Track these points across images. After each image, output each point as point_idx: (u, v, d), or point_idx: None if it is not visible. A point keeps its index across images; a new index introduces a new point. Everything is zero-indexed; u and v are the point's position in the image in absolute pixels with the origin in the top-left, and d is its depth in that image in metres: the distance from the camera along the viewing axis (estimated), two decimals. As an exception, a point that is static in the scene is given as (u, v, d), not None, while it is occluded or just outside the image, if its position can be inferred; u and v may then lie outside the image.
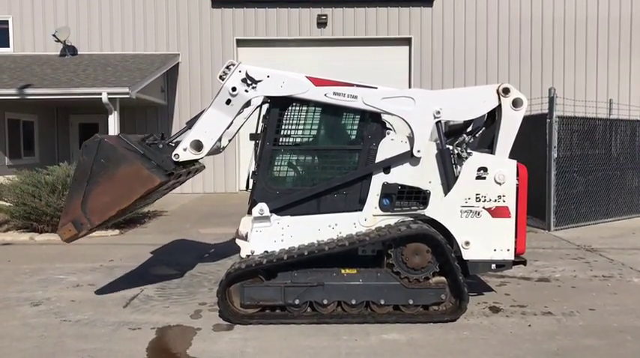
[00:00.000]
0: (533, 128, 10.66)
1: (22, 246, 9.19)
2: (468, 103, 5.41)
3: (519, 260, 5.51)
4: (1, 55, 16.76)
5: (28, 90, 13.26)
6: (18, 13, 17.16)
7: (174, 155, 5.40)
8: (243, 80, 5.32)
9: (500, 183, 5.32)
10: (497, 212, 5.33)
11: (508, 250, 5.38)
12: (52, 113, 17.39)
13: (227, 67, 5.41)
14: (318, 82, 5.29)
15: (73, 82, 13.92)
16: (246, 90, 5.32)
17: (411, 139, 5.34)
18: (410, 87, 16.88)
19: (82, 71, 14.97)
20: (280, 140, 5.53)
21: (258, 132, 5.64)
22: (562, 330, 5.05)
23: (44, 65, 15.66)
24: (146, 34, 17.14)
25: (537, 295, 6.13)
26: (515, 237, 5.41)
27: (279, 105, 5.45)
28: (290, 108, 5.48)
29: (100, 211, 5.34)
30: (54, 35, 16.56)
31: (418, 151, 5.29)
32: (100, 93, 12.98)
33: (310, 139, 5.60)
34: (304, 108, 5.49)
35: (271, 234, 5.41)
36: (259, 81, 5.32)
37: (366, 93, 5.28)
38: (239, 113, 5.47)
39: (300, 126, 5.54)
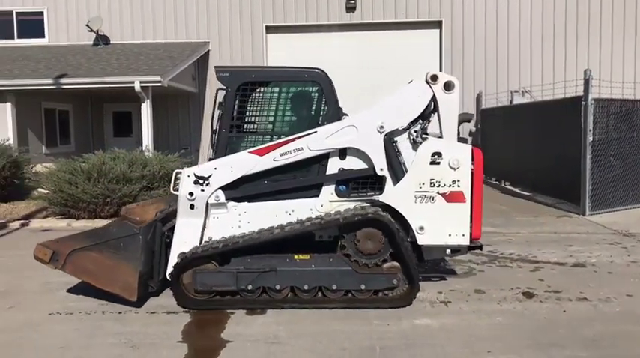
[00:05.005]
0: (567, 111, 10.46)
1: (60, 232, 9.40)
2: (405, 105, 5.41)
3: (475, 245, 5.48)
4: (38, 46, 17.12)
5: (64, 80, 13.51)
6: (52, 3, 17.48)
7: (169, 274, 5.36)
8: (195, 182, 5.37)
9: (454, 168, 5.28)
10: (452, 197, 5.30)
11: (463, 235, 5.33)
12: (86, 102, 17.72)
13: (176, 178, 5.51)
14: (262, 152, 5.34)
15: (106, 71, 14.13)
16: (203, 190, 5.37)
17: (369, 159, 5.36)
18: (441, 70, 16.66)
19: (115, 60, 15.19)
20: (236, 126, 5.56)
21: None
22: (599, 316, 4.98)
23: (78, 55, 15.93)
24: (176, 23, 17.27)
25: (572, 280, 6.05)
26: (471, 222, 5.36)
27: (234, 90, 5.47)
28: (245, 94, 5.51)
29: (77, 268, 5.34)
30: (87, 25, 16.83)
31: (381, 169, 5.33)
32: (133, 82, 13.14)
33: (266, 125, 5.63)
34: (259, 94, 5.54)
35: (228, 221, 5.45)
36: (210, 176, 5.37)
37: (309, 140, 5.32)
38: (206, 209, 5.45)
39: (256, 113, 5.61)
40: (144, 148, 12.46)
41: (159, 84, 13.24)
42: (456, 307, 5.27)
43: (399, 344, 4.41)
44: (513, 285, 5.86)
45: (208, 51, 17.05)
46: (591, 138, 9.74)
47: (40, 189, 11.24)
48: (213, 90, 16.45)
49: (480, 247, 5.57)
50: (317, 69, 5.56)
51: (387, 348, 4.34)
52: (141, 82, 13.15)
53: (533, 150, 12.34)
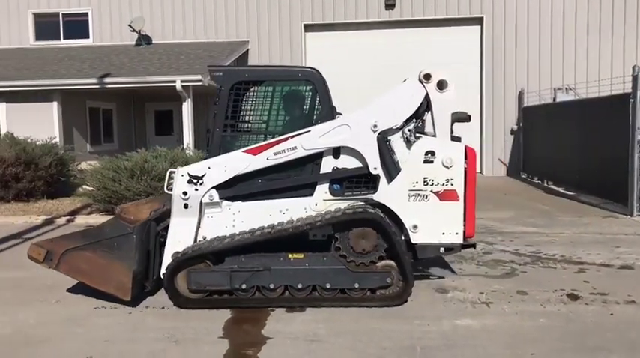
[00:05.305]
0: (614, 109, 10.16)
1: (104, 228, 9.63)
2: (398, 104, 5.37)
3: (468, 243, 5.42)
4: (82, 47, 17.57)
5: (107, 80, 13.83)
6: (97, 4, 17.90)
7: (162, 274, 5.35)
8: (189, 181, 5.38)
9: (447, 167, 5.25)
10: (445, 195, 5.27)
11: (457, 233, 5.31)
12: (129, 101, 18.11)
13: (170, 178, 5.52)
14: (255, 151, 5.34)
15: (148, 70, 14.40)
16: (196, 189, 5.38)
17: (362, 158, 5.34)
18: (482, 68, 16.43)
19: (157, 60, 15.46)
20: (230, 125, 5.54)
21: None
22: (647, 320, 4.82)
23: (121, 55, 16.28)
24: (216, 22, 17.48)
25: (619, 283, 5.87)
26: (464, 220, 5.31)
27: (228, 90, 5.45)
28: (239, 93, 5.49)
29: (71, 268, 5.34)
30: (130, 25, 17.18)
31: (375, 168, 5.31)
32: (174, 81, 13.35)
33: (260, 125, 5.61)
34: (253, 93, 5.52)
35: (223, 220, 5.45)
36: (203, 175, 5.38)
37: (302, 139, 5.30)
38: (200, 208, 5.45)
39: (250, 112, 5.59)
40: (185, 146, 12.64)
41: (199, 83, 13.42)
42: (498, 308, 5.18)
43: (440, 345, 4.36)
44: (557, 287, 5.73)
45: (247, 50, 17.19)
46: None
47: (84, 186, 11.54)
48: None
49: (474, 246, 5.54)
50: (310, 68, 5.58)
51: (428, 348, 4.30)
52: (182, 81, 13.35)
53: (577, 148, 12.04)
